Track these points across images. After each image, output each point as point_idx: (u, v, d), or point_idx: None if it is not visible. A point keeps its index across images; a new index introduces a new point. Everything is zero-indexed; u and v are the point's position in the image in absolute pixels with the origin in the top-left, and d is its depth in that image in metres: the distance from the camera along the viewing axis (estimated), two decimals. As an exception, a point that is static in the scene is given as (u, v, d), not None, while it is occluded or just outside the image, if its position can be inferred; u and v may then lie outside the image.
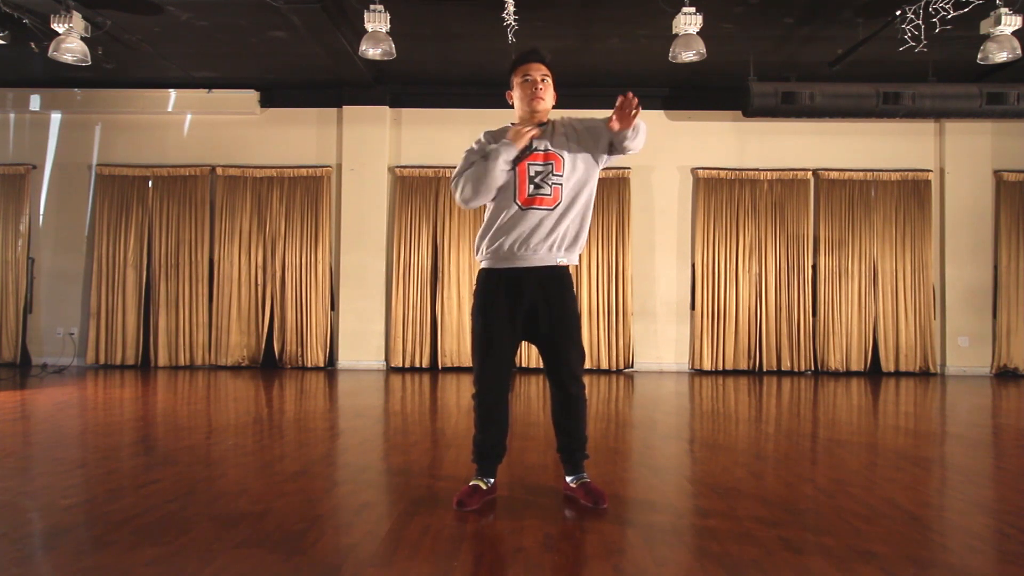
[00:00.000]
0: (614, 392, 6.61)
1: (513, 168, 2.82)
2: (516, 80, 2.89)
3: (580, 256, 3.14)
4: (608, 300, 8.27)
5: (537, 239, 2.80)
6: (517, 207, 2.81)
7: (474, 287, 2.99)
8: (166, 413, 5.23)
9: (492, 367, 2.87)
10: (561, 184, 2.81)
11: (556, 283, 2.85)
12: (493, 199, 2.87)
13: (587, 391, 2.97)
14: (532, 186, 2.80)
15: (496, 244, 2.83)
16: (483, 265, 2.91)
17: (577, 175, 2.84)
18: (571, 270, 2.97)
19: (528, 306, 2.84)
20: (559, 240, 2.82)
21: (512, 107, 2.95)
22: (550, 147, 2.84)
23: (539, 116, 2.88)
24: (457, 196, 2.89)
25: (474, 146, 2.92)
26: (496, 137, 2.90)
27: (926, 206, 8.34)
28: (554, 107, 2.96)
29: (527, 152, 2.82)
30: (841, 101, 7.27)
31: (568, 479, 2.95)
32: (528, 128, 2.82)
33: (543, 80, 2.85)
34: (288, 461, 3.64)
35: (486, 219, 2.90)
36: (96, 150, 8.55)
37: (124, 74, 7.86)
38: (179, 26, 6.59)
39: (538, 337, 2.90)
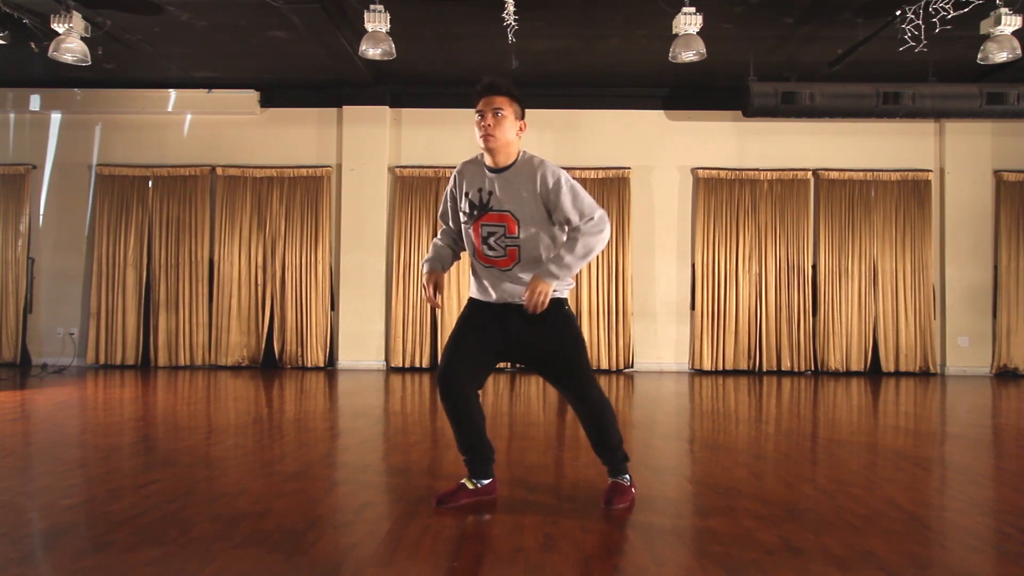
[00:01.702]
0: (614, 392, 6.61)
1: (468, 226, 2.81)
2: (475, 116, 2.76)
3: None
4: (608, 300, 8.27)
5: (508, 288, 2.76)
6: (479, 263, 2.82)
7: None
8: (166, 413, 5.23)
9: (452, 364, 2.78)
10: (518, 246, 2.73)
11: (542, 314, 2.72)
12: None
13: (604, 392, 2.91)
14: (486, 246, 2.77)
15: (476, 287, 2.86)
16: (471, 294, 2.93)
17: (531, 232, 2.73)
18: (567, 293, 2.88)
19: (516, 333, 2.78)
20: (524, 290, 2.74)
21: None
22: (504, 206, 2.72)
23: (496, 152, 2.73)
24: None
25: (448, 197, 2.94)
26: (463, 173, 2.85)
27: (926, 206, 8.34)
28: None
29: (483, 212, 2.75)
30: (841, 101, 7.27)
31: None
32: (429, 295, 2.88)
33: (496, 113, 2.70)
34: (288, 461, 3.64)
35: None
36: (96, 150, 8.55)
37: (124, 74, 7.86)
38: (179, 26, 6.59)
39: (536, 366, 2.88)
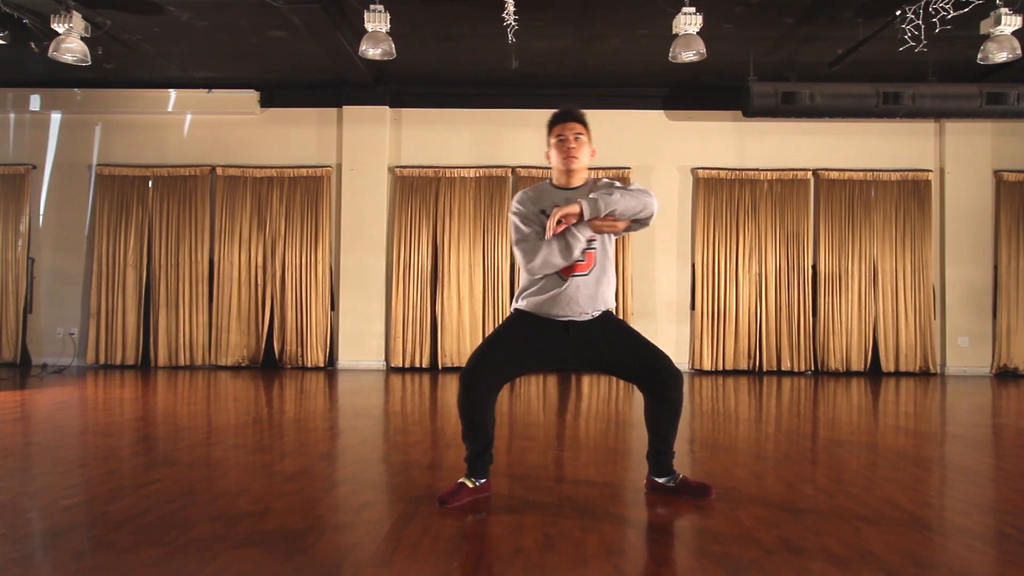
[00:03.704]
0: (614, 392, 6.61)
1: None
2: (552, 140, 2.94)
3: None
4: (608, 300, 8.26)
5: (575, 303, 2.85)
6: (558, 276, 2.85)
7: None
8: (166, 413, 5.23)
9: (479, 367, 2.86)
10: (595, 249, 2.87)
11: (598, 322, 2.91)
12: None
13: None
14: None
15: (537, 303, 2.87)
16: (521, 308, 2.93)
17: (605, 239, 2.91)
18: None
19: (577, 342, 2.90)
20: (596, 299, 2.88)
21: (550, 166, 2.99)
22: None
23: (574, 173, 2.91)
24: (527, 266, 2.87)
25: (520, 222, 2.88)
26: (531, 196, 2.90)
27: (926, 206, 8.34)
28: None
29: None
30: (841, 101, 7.27)
31: (660, 480, 3.02)
32: (566, 213, 2.75)
33: (576, 138, 2.89)
34: (288, 461, 3.64)
35: (524, 280, 2.94)
36: (96, 150, 8.55)
37: (124, 74, 7.86)
38: (179, 26, 6.59)
39: (620, 370, 3.04)
